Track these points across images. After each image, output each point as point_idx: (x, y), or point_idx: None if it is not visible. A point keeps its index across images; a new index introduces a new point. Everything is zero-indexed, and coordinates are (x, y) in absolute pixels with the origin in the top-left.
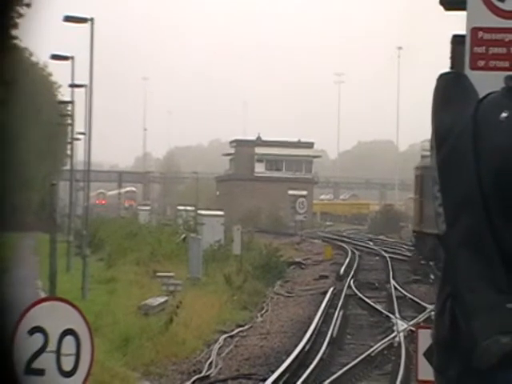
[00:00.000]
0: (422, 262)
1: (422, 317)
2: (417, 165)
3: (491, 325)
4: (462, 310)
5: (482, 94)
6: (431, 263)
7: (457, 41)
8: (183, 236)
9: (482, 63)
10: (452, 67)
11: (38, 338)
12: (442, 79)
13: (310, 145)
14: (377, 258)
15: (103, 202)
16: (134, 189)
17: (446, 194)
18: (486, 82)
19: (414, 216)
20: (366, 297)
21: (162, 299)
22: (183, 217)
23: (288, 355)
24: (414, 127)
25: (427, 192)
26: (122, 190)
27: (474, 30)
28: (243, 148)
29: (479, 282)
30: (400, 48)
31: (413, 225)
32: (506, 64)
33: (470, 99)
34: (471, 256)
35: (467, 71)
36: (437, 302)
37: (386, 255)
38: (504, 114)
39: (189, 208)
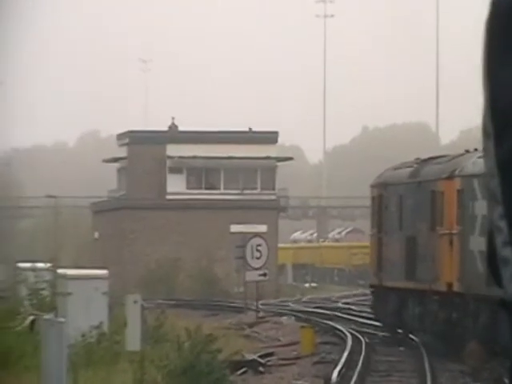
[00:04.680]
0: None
1: None
2: (374, 181)
3: None
4: None
5: None
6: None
7: None
8: (31, 319)
9: None
10: None
11: None
12: (498, 8)
13: (270, 138)
14: (401, 348)
15: None
16: None
17: None
18: None
19: (371, 262)
20: None
21: None
22: (29, 282)
23: None
24: (466, 102)
25: (388, 223)
26: None
27: None
28: (143, 147)
29: None
30: None
31: (370, 276)
32: None
33: None
34: None
35: None
36: None
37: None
38: None
39: (40, 265)
